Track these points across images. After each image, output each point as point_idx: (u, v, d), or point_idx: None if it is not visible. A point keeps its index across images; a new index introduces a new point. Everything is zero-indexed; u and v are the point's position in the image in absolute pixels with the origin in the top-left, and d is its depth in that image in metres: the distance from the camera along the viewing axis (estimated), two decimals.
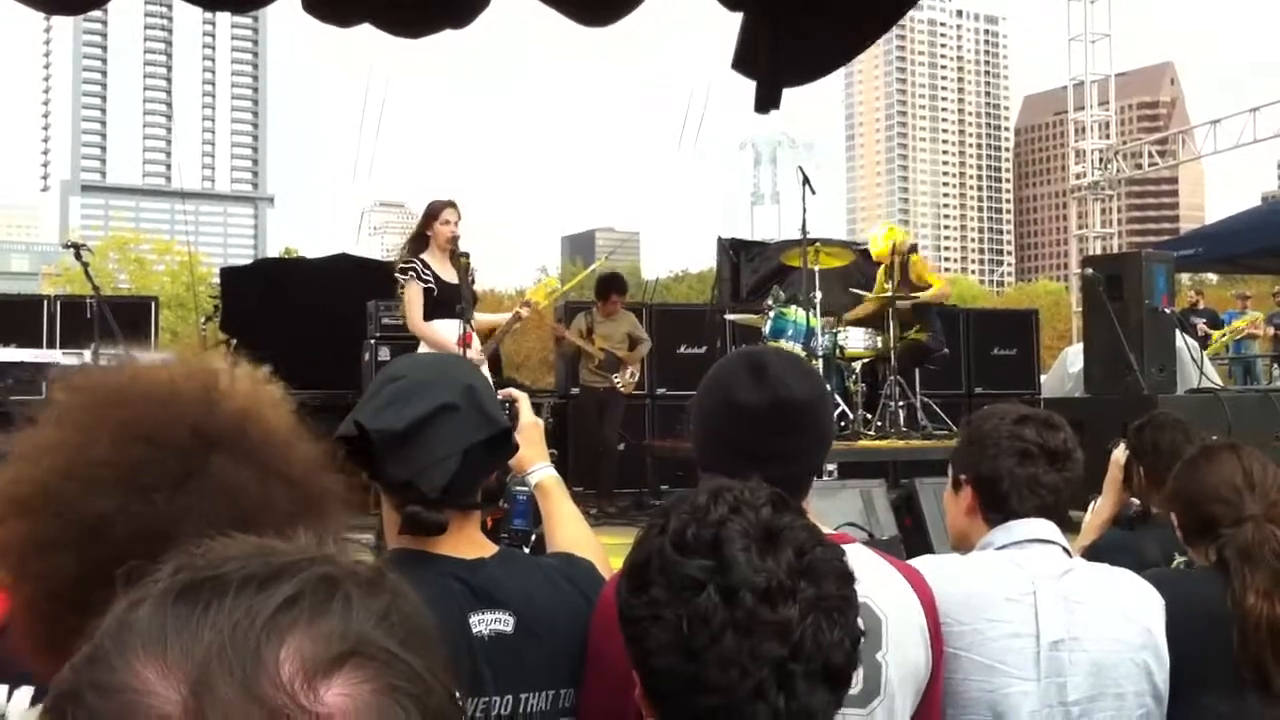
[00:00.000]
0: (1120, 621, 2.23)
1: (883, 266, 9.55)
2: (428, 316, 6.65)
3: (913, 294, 9.30)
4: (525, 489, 2.23)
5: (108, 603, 1.01)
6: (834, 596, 1.31)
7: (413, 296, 6.67)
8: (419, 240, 6.82)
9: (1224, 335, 17.62)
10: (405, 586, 0.74)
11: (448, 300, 6.63)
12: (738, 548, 1.30)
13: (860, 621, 1.37)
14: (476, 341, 6.70)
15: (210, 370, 1.18)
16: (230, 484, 1.09)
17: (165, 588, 0.69)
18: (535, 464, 2.31)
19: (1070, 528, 3.52)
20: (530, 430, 2.27)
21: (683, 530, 1.34)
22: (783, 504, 1.38)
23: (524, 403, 2.31)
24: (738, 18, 6.62)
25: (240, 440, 1.12)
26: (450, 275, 6.70)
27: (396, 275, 6.77)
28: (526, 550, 2.16)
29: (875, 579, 1.94)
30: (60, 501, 1.07)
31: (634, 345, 9.65)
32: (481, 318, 7.10)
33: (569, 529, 2.27)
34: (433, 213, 6.83)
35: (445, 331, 6.55)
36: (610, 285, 9.94)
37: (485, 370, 5.67)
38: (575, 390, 10.13)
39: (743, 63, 6.56)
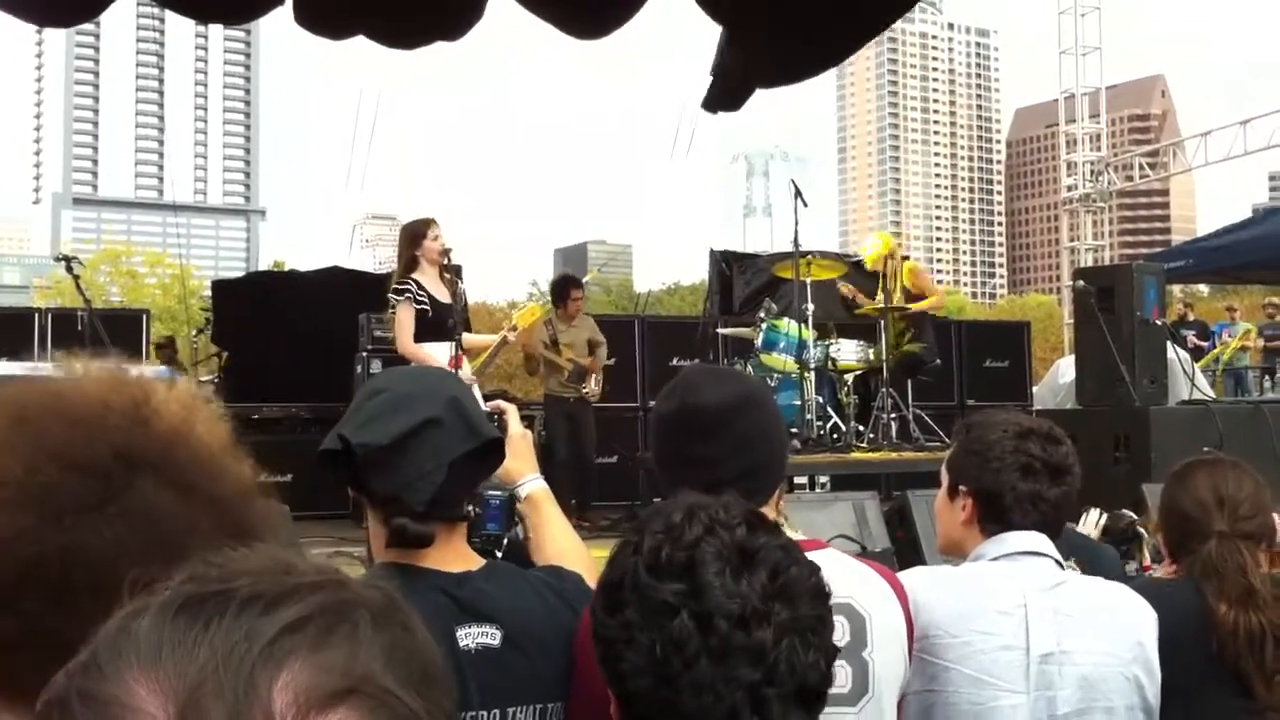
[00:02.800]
0: (1111, 635, 2.23)
1: (877, 278, 9.54)
2: (421, 337, 6.56)
3: (908, 304, 9.29)
4: (498, 494, 2.22)
5: (10, 630, 0.99)
6: (808, 617, 1.31)
7: (403, 319, 6.57)
8: (409, 263, 6.71)
9: (1228, 351, 17.66)
10: (416, 621, 0.71)
11: (441, 319, 6.56)
12: (711, 572, 1.29)
13: (844, 628, 1.37)
14: (467, 365, 6.66)
15: (142, 386, 1.13)
16: (150, 508, 1.04)
17: (169, 599, 0.66)
18: (525, 476, 2.29)
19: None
20: (519, 442, 2.26)
21: (657, 550, 1.33)
22: (757, 522, 1.37)
23: (512, 414, 2.31)
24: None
25: (166, 462, 1.07)
26: (443, 294, 6.63)
27: (390, 296, 6.68)
28: (499, 555, 2.16)
29: (854, 580, 1.97)
30: None
31: (593, 350, 9.56)
32: (470, 339, 7.06)
33: (559, 541, 2.25)
34: (418, 232, 6.73)
35: (436, 355, 6.49)
36: (567, 284, 9.92)
37: (476, 390, 5.64)
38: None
39: (719, 69, 6.57)
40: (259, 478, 1.15)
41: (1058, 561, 2.31)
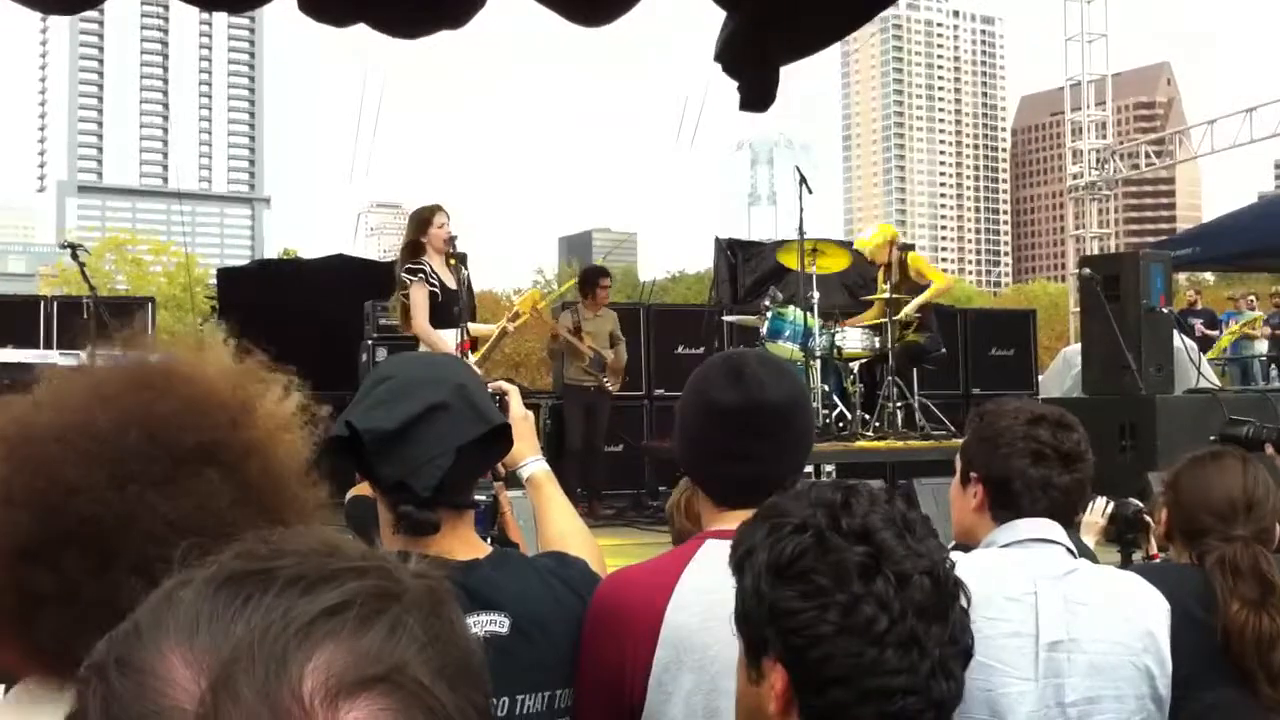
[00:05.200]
0: (1121, 624, 2.22)
1: (881, 268, 9.53)
2: (429, 322, 6.61)
3: (914, 294, 9.26)
4: (480, 496, 2.22)
5: (46, 586, 1.03)
6: (963, 581, 1.36)
7: (418, 299, 6.59)
8: (415, 247, 6.74)
9: (1233, 334, 17.65)
10: (459, 614, 0.71)
11: (449, 305, 6.59)
12: (891, 535, 1.33)
13: None
14: (472, 352, 6.66)
15: (253, 392, 1.17)
16: (206, 501, 1.08)
17: (214, 573, 0.67)
18: (527, 458, 2.29)
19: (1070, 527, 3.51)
20: (521, 424, 2.24)
21: (834, 520, 1.35)
22: (905, 499, 1.42)
23: (514, 396, 2.30)
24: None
25: (238, 467, 1.11)
26: (450, 280, 6.67)
27: (403, 276, 6.68)
28: None
29: None
30: (38, 456, 1.06)
31: (614, 345, 9.57)
32: (473, 328, 7.06)
33: (562, 523, 2.25)
34: (425, 218, 6.76)
35: (446, 341, 6.52)
36: (596, 274, 9.91)
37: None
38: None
39: (725, 55, 6.52)
40: (325, 504, 1.19)
41: (1069, 549, 2.30)
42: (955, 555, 2.37)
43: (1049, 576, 2.23)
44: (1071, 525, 2.40)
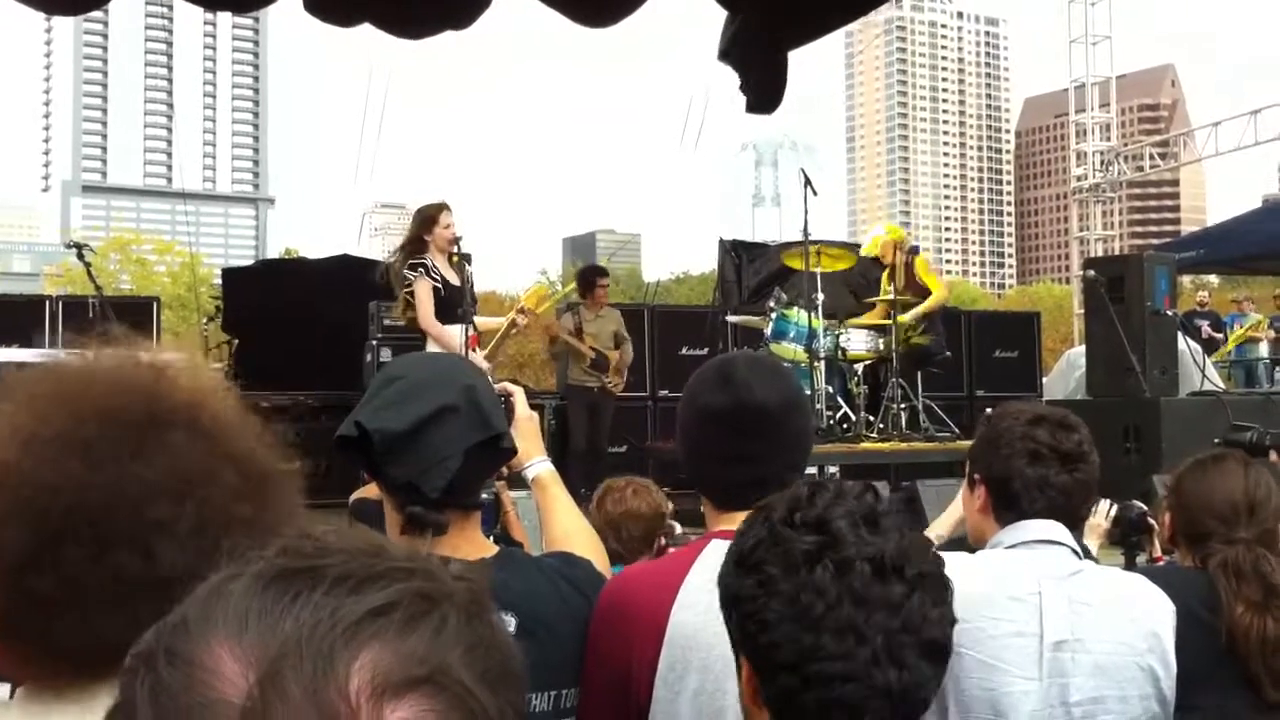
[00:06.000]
0: (1126, 625, 2.23)
1: (886, 270, 9.54)
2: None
3: (914, 300, 9.27)
4: (483, 495, 2.23)
5: (50, 588, 1.05)
6: (934, 575, 1.37)
7: (423, 295, 6.60)
8: (417, 243, 6.75)
9: (1238, 338, 17.64)
10: (499, 617, 0.71)
11: (452, 302, 6.60)
12: (845, 526, 1.35)
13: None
14: (479, 348, 6.67)
15: (159, 360, 1.21)
16: (179, 457, 1.11)
17: (263, 568, 0.67)
18: (532, 459, 2.30)
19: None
20: (526, 424, 2.26)
21: (790, 513, 1.39)
22: (875, 494, 1.44)
23: (519, 397, 2.31)
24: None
25: (192, 421, 1.14)
26: (453, 278, 6.67)
27: (406, 273, 6.68)
28: None
29: None
30: (13, 469, 1.08)
31: (619, 344, 9.56)
32: (481, 321, 7.06)
33: (567, 523, 2.26)
34: (431, 216, 6.76)
35: (454, 335, 6.52)
36: (594, 273, 9.92)
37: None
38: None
39: (731, 52, 6.52)
40: (273, 442, 1.22)
41: (1075, 551, 2.31)
42: (960, 556, 2.39)
43: (1054, 577, 2.23)
44: (1077, 526, 2.40)
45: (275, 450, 1.21)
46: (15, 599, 1.07)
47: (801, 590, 1.32)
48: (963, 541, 2.59)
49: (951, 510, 3.32)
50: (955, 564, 2.28)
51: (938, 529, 3.35)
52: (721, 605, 1.42)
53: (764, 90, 6.35)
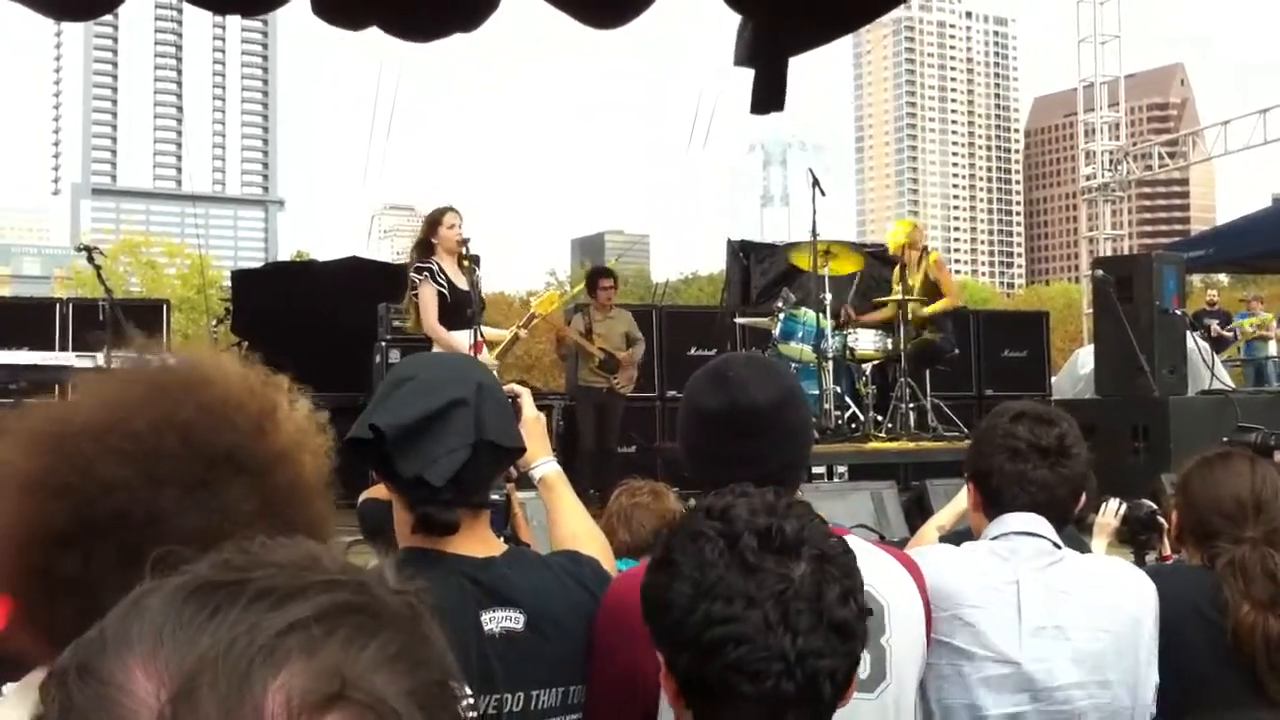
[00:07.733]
0: (1107, 612, 2.25)
1: (897, 267, 9.52)
2: (439, 321, 6.63)
3: (930, 295, 9.24)
4: (494, 495, 2.24)
5: (73, 572, 1.05)
6: (836, 558, 1.40)
7: (427, 299, 6.63)
8: (425, 247, 6.79)
9: (1246, 336, 17.61)
10: (436, 632, 0.68)
11: (459, 306, 6.61)
12: (744, 510, 1.41)
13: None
14: (486, 351, 6.68)
15: (273, 398, 1.19)
16: (233, 510, 1.09)
17: (185, 582, 0.65)
18: (539, 459, 2.31)
19: (1082, 528, 3.50)
20: (533, 425, 2.27)
21: (696, 510, 1.46)
22: (778, 494, 1.48)
23: (526, 398, 2.32)
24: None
25: (265, 479, 1.12)
26: (461, 281, 6.69)
27: (411, 276, 6.74)
28: None
29: (874, 566, 1.97)
30: (73, 452, 1.08)
31: (630, 344, 9.55)
32: (487, 332, 7.07)
33: (574, 523, 2.28)
34: (435, 219, 6.83)
35: (459, 340, 6.53)
36: (596, 274, 9.91)
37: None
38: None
39: (746, 56, 6.53)
40: (333, 517, 1.21)
41: (1055, 543, 2.32)
42: (942, 548, 2.43)
43: (1032, 567, 2.27)
44: (1068, 521, 2.42)
45: (331, 522, 1.19)
46: (38, 569, 1.07)
47: (697, 567, 1.36)
48: (967, 534, 2.61)
49: (954, 504, 3.34)
50: (936, 556, 2.32)
51: (939, 520, 3.37)
52: (643, 612, 1.45)
53: (768, 91, 6.38)
